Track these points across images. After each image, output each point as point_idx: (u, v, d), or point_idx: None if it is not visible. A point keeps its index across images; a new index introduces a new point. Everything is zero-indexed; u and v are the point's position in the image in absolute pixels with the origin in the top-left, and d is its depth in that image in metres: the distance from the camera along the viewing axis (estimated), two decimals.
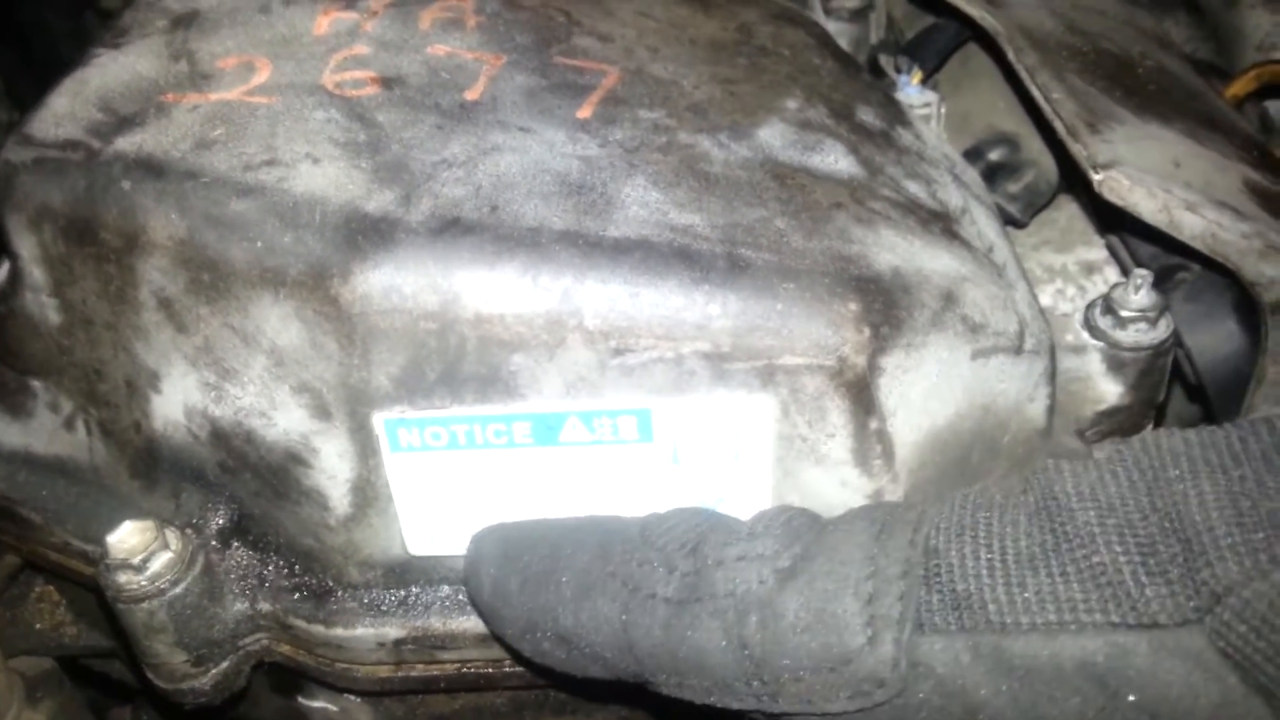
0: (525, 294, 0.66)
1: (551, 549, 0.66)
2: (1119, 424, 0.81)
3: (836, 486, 0.70)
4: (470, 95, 0.78)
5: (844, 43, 1.14)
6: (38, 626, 1.00)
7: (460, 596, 0.75)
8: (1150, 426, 0.84)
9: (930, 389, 0.70)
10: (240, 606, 0.75)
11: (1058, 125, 0.86)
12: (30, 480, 0.86)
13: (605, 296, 0.66)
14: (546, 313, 0.66)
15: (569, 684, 0.69)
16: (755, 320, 0.66)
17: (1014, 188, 1.05)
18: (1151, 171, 0.82)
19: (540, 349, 0.66)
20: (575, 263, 0.66)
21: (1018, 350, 0.73)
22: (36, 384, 0.83)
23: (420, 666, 0.76)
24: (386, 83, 0.78)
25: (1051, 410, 0.78)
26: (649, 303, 0.66)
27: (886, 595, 0.56)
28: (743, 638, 0.58)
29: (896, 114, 0.88)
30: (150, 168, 0.72)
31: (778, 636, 0.57)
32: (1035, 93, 0.90)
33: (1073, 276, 1.06)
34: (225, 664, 0.75)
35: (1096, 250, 1.08)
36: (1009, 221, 1.05)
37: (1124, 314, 0.79)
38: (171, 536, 0.72)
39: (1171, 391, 0.94)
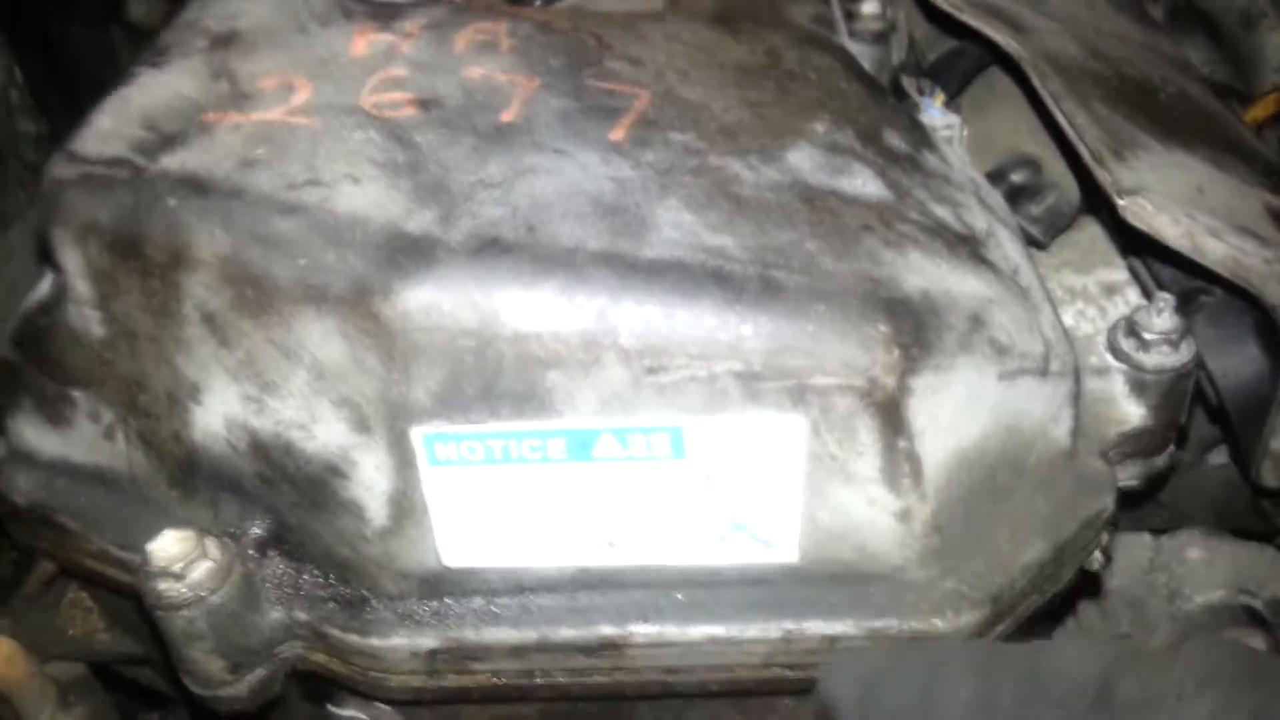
0: (562, 313, 0.67)
1: (920, 687, 0.62)
2: (1142, 445, 0.82)
3: (864, 504, 0.71)
4: (506, 117, 0.79)
5: (867, 65, 1.15)
6: (70, 633, 1.01)
7: (492, 608, 0.76)
8: (1172, 448, 0.85)
9: (958, 409, 0.71)
10: (277, 615, 0.77)
11: (1083, 151, 0.88)
12: (68, 488, 0.87)
13: (640, 316, 0.67)
14: (583, 331, 0.67)
15: None
16: (787, 341, 0.67)
17: (1036, 210, 1.05)
18: (1176, 198, 0.83)
19: (576, 367, 0.68)
20: (611, 283, 0.68)
21: (1043, 372, 0.74)
22: (77, 394, 0.85)
23: (453, 676, 0.77)
24: (424, 104, 0.80)
25: (1075, 432, 0.79)
26: (683, 323, 0.67)
27: None
28: None
29: (922, 138, 0.90)
30: (195, 185, 0.74)
31: None
32: (1061, 119, 0.91)
33: (1094, 298, 1.07)
34: (261, 671, 0.77)
35: (1117, 271, 1.08)
36: (1031, 243, 1.06)
37: (1147, 337, 0.80)
38: (211, 545, 0.73)
39: (1193, 413, 0.95)
